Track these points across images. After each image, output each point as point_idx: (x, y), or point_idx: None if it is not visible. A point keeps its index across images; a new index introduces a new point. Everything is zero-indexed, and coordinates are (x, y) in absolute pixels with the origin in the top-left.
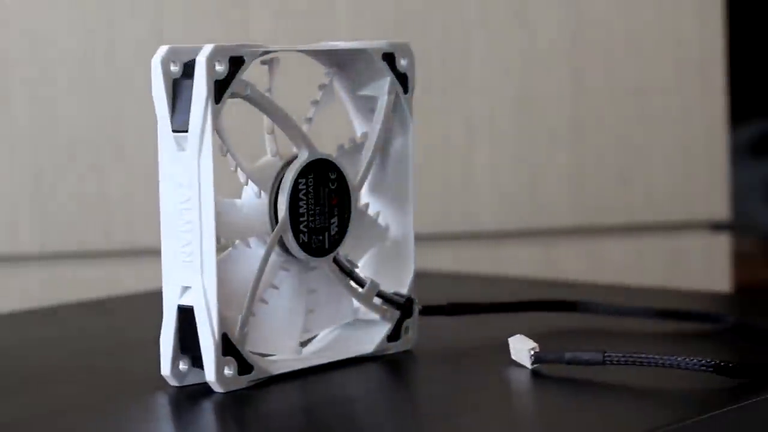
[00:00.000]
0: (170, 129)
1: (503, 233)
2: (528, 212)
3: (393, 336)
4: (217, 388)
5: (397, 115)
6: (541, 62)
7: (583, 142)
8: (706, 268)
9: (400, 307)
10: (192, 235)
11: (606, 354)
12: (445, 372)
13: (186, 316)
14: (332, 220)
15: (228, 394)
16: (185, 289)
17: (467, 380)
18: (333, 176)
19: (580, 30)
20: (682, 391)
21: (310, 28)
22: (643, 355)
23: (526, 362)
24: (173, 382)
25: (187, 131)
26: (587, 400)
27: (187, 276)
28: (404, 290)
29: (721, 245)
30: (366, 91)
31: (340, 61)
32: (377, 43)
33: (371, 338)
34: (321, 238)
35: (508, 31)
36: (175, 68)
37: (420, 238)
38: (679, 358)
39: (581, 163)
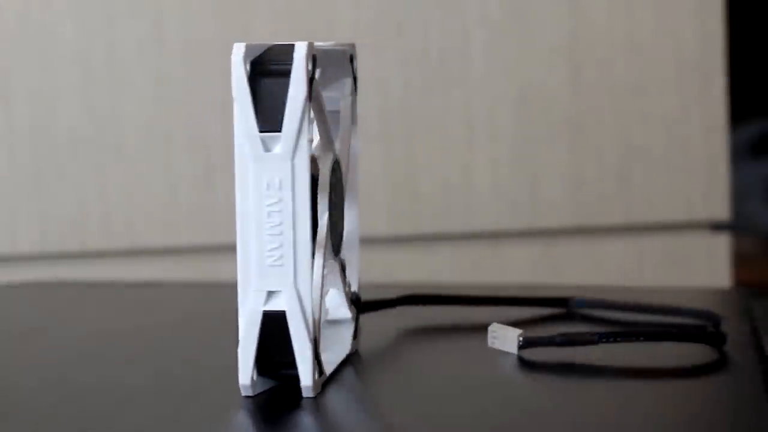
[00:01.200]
0: (256, 129)
1: (503, 233)
2: (528, 212)
3: (354, 335)
4: (309, 393)
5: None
6: (540, 62)
7: (583, 142)
8: (706, 268)
9: (356, 304)
10: (283, 237)
11: (599, 334)
12: (433, 366)
13: (271, 322)
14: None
15: (314, 400)
16: (271, 294)
17: (464, 371)
18: (338, 176)
19: (580, 30)
20: (678, 367)
21: (309, 28)
22: (633, 332)
23: (511, 348)
24: (248, 392)
25: (276, 131)
26: (589, 381)
27: (276, 280)
28: (355, 287)
29: (721, 245)
30: (330, 92)
31: (319, 62)
32: (343, 44)
33: (346, 338)
34: (336, 237)
35: (508, 31)
36: (247, 67)
37: (420, 238)
38: (672, 330)
39: (581, 163)
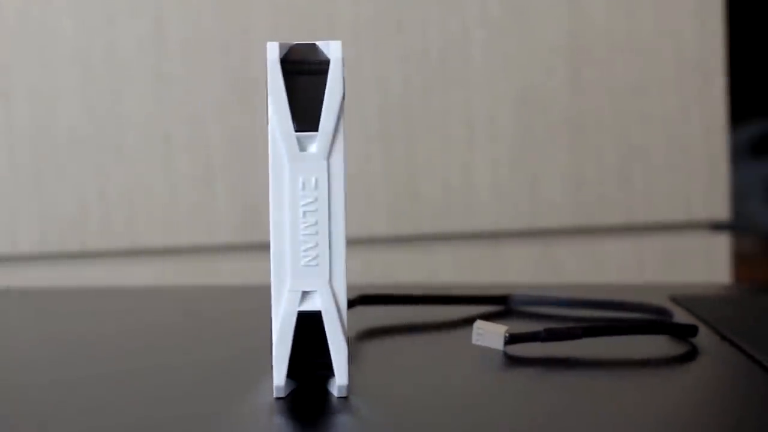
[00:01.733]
0: (292, 129)
1: (503, 233)
2: (528, 212)
3: None
4: (344, 393)
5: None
6: (540, 62)
7: (583, 142)
8: (706, 268)
9: None
10: (319, 237)
11: (584, 328)
12: (427, 364)
13: (305, 322)
14: None
15: (345, 400)
16: (306, 294)
17: (458, 368)
18: None
19: (580, 30)
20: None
21: (309, 28)
22: (615, 326)
23: (497, 344)
24: (280, 394)
25: (313, 131)
26: (582, 374)
27: (311, 280)
28: None
29: (721, 245)
30: None
31: None
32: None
33: None
34: None
35: (508, 31)
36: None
37: (420, 238)
38: (650, 323)
39: (581, 163)
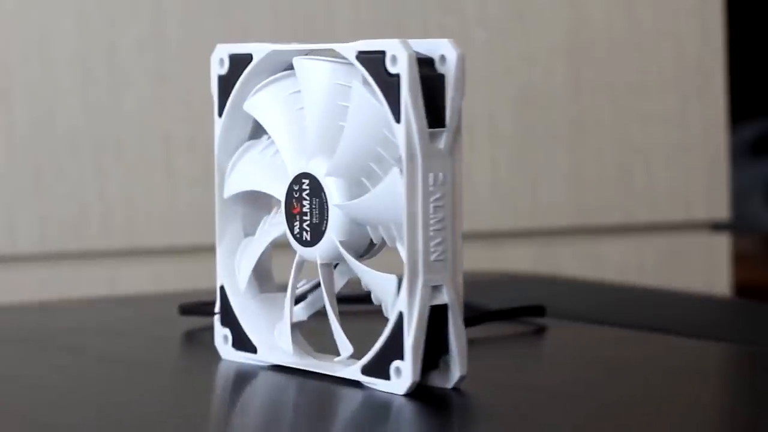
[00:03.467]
0: (426, 125)
1: (503, 233)
2: (528, 212)
3: None
4: (461, 384)
5: None
6: (540, 62)
7: (583, 142)
8: (706, 268)
9: None
10: (446, 232)
11: (470, 317)
12: None
13: (435, 316)
14: None
15: (459, 390)
16: (434, 288)
17: None
18: None
19: (580, 29)
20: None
21: (309, 28)
22: (481, 316)
23: None
24: (412, 389)
25: (441, 127)
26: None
27: (439, 275)
28: None
29: (721, 245)
30: None
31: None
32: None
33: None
34: None
35: (508, 31)
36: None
37: None
38: (506, 310)
39: (581, 163)
